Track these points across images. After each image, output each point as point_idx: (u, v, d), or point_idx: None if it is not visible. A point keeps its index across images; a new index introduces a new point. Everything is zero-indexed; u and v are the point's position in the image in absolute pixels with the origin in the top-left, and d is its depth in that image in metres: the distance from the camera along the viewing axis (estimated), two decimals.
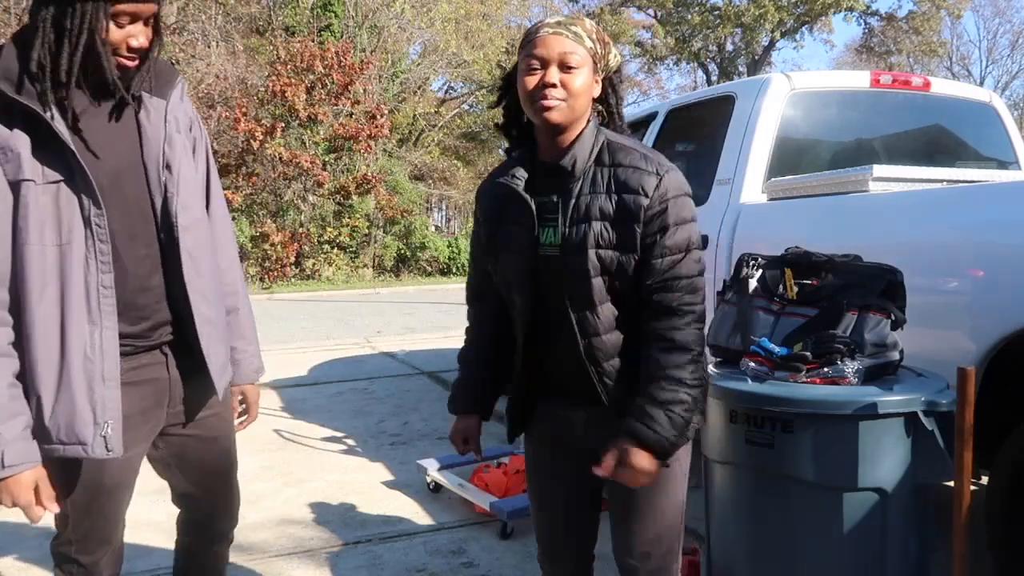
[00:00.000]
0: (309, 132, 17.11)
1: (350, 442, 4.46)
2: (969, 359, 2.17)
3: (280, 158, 16.21)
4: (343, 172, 17.74)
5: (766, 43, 28.75)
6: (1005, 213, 2.25)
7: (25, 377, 1.40)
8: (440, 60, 22.76)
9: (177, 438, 1.69)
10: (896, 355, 2.04)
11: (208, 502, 1.79)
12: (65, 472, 1.50)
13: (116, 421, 1.46)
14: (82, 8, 1.33)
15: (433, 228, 25.35)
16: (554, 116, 1.48)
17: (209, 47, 17.55)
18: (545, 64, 1.47)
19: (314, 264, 17.47)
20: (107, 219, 1.42)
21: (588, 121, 1.55)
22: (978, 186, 2.71)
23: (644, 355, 1.51)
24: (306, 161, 16.27)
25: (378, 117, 17.56)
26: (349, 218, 17.80)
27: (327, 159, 17.45)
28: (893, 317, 2.03)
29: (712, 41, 28.50)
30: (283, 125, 16.41)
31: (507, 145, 1.68)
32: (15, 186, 1.35)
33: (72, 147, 1.37)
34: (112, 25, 1.37)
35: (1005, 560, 2.15)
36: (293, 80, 16.42)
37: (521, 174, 1.57)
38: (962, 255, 2.28)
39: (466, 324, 1.82)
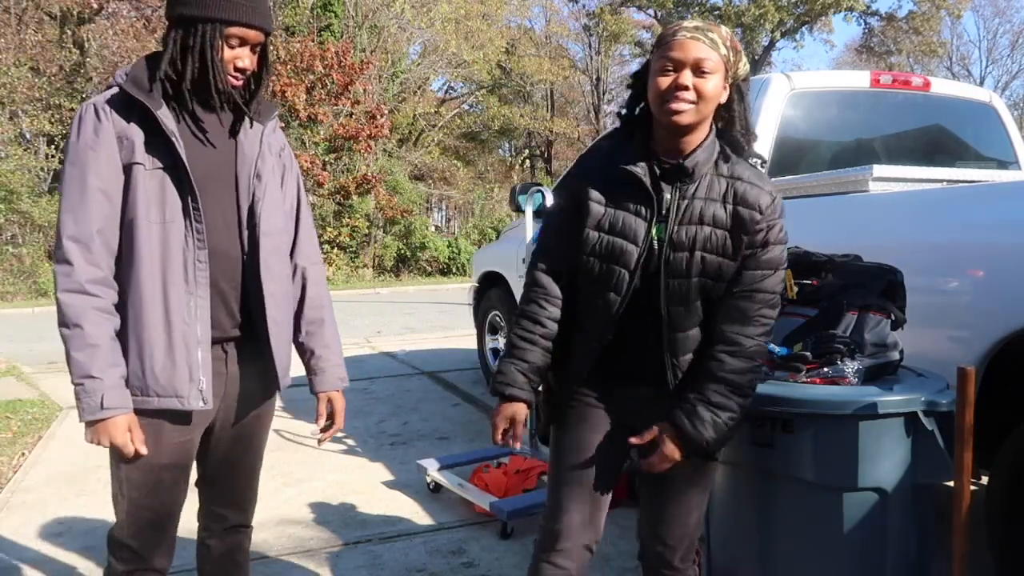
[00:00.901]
0: (309, 132, 17.11)
1: (350, 442, 4.46)
2: (969, 359, 2.17)
3: None
4: (343, 172, 17.73)
5: (766, 43, 28.74)
6: (1005, 213, 2.25)
7: (130, 336, 1.59)
8: (440, 60, 22.74)
9: (216, 432, 1.79)
10: (896, 355, 2.04)
11: (228, 495, 1.88)
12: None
13: (207, 379, 1.66)
14: (203, 30, 1.59)
15: (433, 228, 25.34)
16: (684, 119, 1.53)
17: None
18: (679, 67, 1.52)
19: None
20: (202, 205, 1.63)
21: (711, 127, 1.61)
22: (978, 186, 2.71)
23: (709, 353, 1.60)
24: (306, 161, 16.25)
25: (378, 117, 17.55)
26: (349, 218, 17.80)
27: (327, 159, 17.44)
28: (893, 317, 2.03)
29: None
30: (283, 125, 16.29)
31: (614, 128, 1.73)
32: (128, 168, 1.58)
33: (176, 140, 1.59)
34: (224, 46, 1.62)
35: (1005, 560, 2.15)
36: (293, 80, 16.41)
37: (643, 166, 1.61)
38: (962, 255, 2.28)
39: (521, 302, 1.76)
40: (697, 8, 27.99)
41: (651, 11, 29.38)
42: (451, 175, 25.99)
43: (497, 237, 10.04)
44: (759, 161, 1.70)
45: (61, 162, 1.63)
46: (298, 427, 4.81)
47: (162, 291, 1.60)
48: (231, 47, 1.63)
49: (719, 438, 1.57)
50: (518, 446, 1.72)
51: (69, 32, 17.73)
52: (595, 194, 1.64)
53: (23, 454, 4.42)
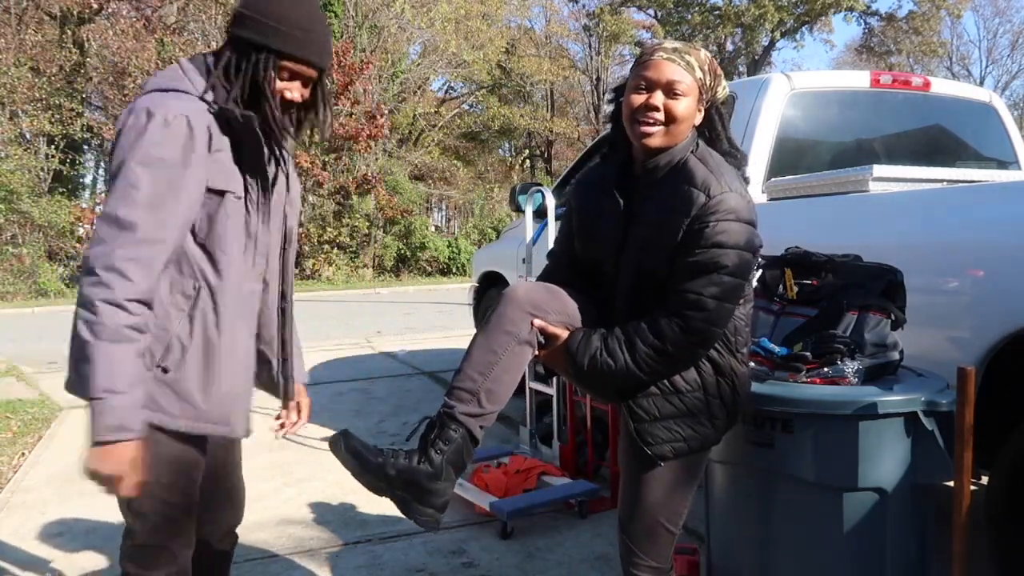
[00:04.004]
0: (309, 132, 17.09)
1: None
2: (969, 359, 2.16)
3: None
4: (343, 172, 17.73)
5: (766, 43, 28.73)
6: (1005, 213, 2.25)
7: (196, 363, 1.55)
8: (440, 60, 22.74)
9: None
10: (896, 355, 2.03)
11: (214, 502, 1.81)
12: (160, 444, 1.55)
13: (251, 407, 1.70)
14: (256, 57, 1.54)
15: (433, 228, 25.34)
16: (652, 142, 1.59)
17: (209, 47, 17.51)
18: (652, 87, 1.57)
19: (314, 264, 17.47)
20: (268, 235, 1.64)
21: (693, 141, 1.64)
22: (978, 186, 2.71)
23: (620, 329, 1.61)
24: (306, 161, 16.25)
25: (378, 117, 17.56)
26: (349, 218, 17.80)
27: (327, 159, 17.44)
28: (893, 317, 2.03)
29: (712, 41, 28.46)
30: None
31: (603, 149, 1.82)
32: (219, 193, 1.53)
33: (270, 170, 1.61)
34: (275, 77, 1.57)
35: (1005, 560, 2.14)
36: None
37: (615, 175, 1.70)
38: (962, 255, 2.27)
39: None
40: (697, 8, 27.99)
41: (651, 11, 29.40)
42: (451, 175, 25.99)
43: (497, 237, 10.04)
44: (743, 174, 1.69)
45: (109, 161, 1.52)
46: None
47: (233, 322, 1.59)
48: (282, 79, 1.59)
49: (587, 355, 1.60)
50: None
51: (69, 32, 17.73)
52: (579, 202, 1.77)
53: (23, 454, 4.42)
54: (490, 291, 5.63)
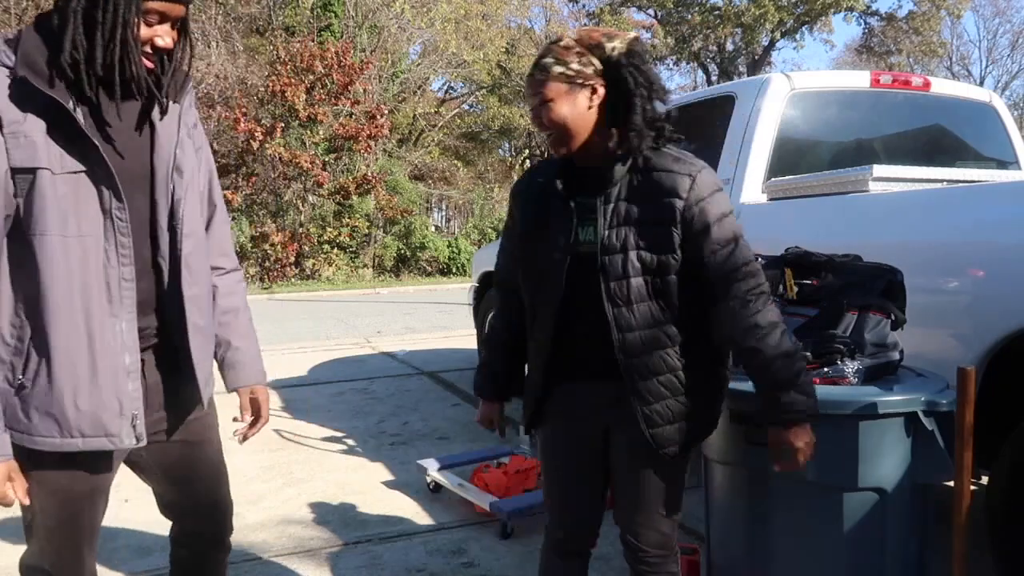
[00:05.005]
0: (309, 132, 17.10)
1: (350, 442, 4.46)
2: (969, 359, 2.16)
3: (280, 158, 16.21)
4: (343, 172, 17.73)
5: (766, 43, 28.72)
6: (1005, 213, 2.25)
7: (43, 369, 1.38)
8: (440, 60, 22.76)
9: (159, 445, 1.60)
10: (896, 355, 2.03)
11: (197, 509, 1.71)
12: (40, 473, 1.46)
13: (140, 412, 1.47)
14: (115, 2, 1.31)
15: (433, 228, 25.32)
16: (562, 152, 1.62)
17: (209, 47, 17.52)
18: (533, 108, 1.60)
19: (314, 264, 17.46)
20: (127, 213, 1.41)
21: (608, 128, 1.60)
22: (978, 186, 2.71)
23: (744, 349, 1.58)
24: (306, 161, 16.25)
25: (378, 117, 17.55)
26: (349, 218, 17.79)
27: (327, 159, 17.44)
28: (893, 317, 2.03)
29: (712, 41, 28.47)
30: (283, 125, 16.39)
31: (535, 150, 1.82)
32: (25, 173, 1.33)
33: (94, 140, 1.36)
34: (141, 23, 1.36)
35: (1005, 560, 2.14)
36: (293, 80, 16.40)
37: (560, 175, 1.67)
38: (962, 255, 2.27)
39: (492, 311, 1.89)
40: (697, 8, 27.98)
41: (651, 11, 29.38)
42: (451, 175, 26.00)
43: (497, 237, 10.04)
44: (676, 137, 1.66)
45: None
46: (298, 427, 4.81)
47: (84, 316, 1.38)
48: (148, 24, 1.36)
49: (812, 394, 1.59)
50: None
51: None
52: (523, 209, 1.74)
53: None
54: (490, 291, 5.63)
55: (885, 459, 1.84)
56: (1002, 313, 2.13)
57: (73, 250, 1.36)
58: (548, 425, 1.83)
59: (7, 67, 1.32)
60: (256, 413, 1.75)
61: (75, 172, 1.35)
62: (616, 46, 1.56)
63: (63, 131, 1.34)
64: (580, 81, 1.55)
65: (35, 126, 1.32)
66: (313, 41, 17.45)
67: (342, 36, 19.10)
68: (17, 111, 1.31)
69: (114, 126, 1.43)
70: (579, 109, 1.56)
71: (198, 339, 1.56)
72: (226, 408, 1.83)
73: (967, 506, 1.77)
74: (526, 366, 1.87)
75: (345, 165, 17.88)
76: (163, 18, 1.38)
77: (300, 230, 17.12)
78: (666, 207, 1.56)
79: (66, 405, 1.39)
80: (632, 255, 1.58)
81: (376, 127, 17.42)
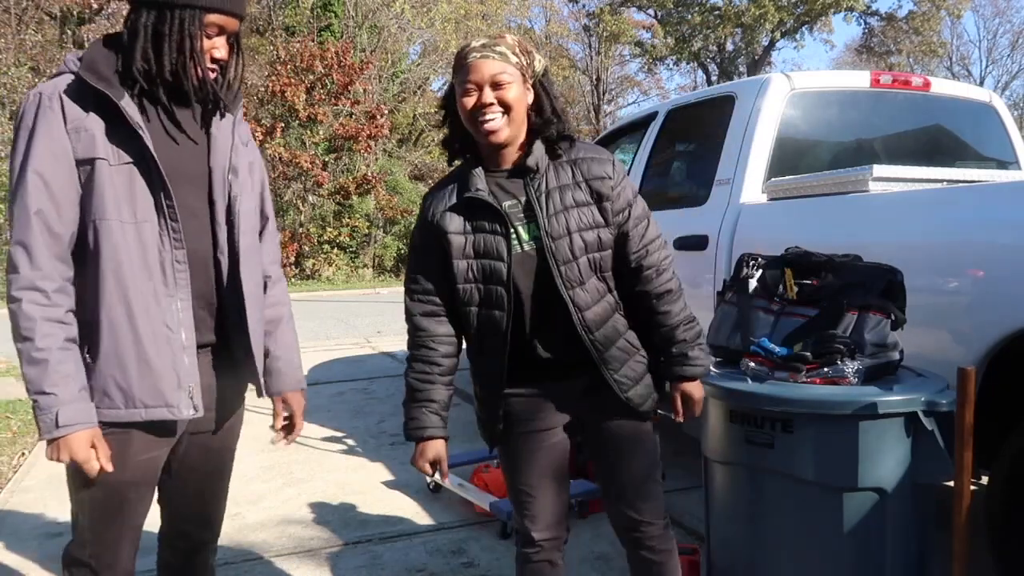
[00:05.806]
0: (309, 132, 17.11)
1: (350, 442, 4.46)
2: (969, 359, 2.16)
3: (280, 158, 16.21)
4: (343, 172, 17.73)
5: (766, 43, 28.72)
6: (1005, 213, 2.25)
7: (109, 345, 1.48)
8: (440, 60, 22.74)
9: (185, 444, 1.66)
10: (896, 355, 2.04)
11: (195, 510, 1.75)
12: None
13: (196, 386, 1.56)
14: (180, 16, 1.47)
15: None
16: (500, 137, 1.65)
17: None
18: (479, 86, 1.62)
19: (314, 264, 17.47)
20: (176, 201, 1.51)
21: (531, 127, 1.70)
22: (978, 186, 2.71)
23: (653, 309, 1.76)
24: (306, 161, 16.26)
25: (378, 117, 17.56)
26: (349, 218, 17.80)
27: (327, 159, 17.44)
28: (893, 317, 2.03)
29: (712, 41, 28.47)
30: (283, 125, 16.40)
31: (456, 160, 1.81)
32: (88, 163, 1.46)
33: (143, 133, 1.47)
34: (202, 35, 1.50)
35: (1005, 560, 2.14)
36: (293, 80, 16.41)
37: (482, 185, 1.69)
38: (962, 255, 2.27)
39: (408, 347, 1.81)
40: (697, 8, 27.98)
41: (651, 11, 29.38)
42: None
43: None
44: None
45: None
46: None
47: (142, 295, 1.48)
48: (208, 37, 1.50)
49: (708, 355, 1.85)
50: (446, 481, 1.82)
51: (69, 32, 17.73)
52: (452, 225, 1.70)
53: (23, 454, 4.42)
54: None
55: (885, 459, 1.84)
56: (1002, 313, 2.13)
57: (130, 234, 1.48)
58: (515, 435, 1.82)
59: (73, 72, 1.48)
60: (291, 419, 1.82)
61: (128, 163, 1.48)
62: (541, 61, 1.72)
63: (117, 127, 1.47)
64: (527, 76, 1.68)
65: (95, 123, 1.46)
66: (313, 41, 17.45)
67: (342, 36, 19.10)
68: (79, 110, 1.46)
69: (174, 130, 1.56)
70: (523, 97, 1.67)
71: (258, 331, 1.67)
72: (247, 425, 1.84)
73: (967, 506, 1.77)
74: (473, 386, 1.84)
75: (345, 165, 17.88)
76: (220, 31, 1.53)
77: (300, 230, 17.13)
78: (597, 187, 1.69)
79: (131, 377, 1.49)
80: (576, 237, 1.67)
81: (376, 127, 17.43)
